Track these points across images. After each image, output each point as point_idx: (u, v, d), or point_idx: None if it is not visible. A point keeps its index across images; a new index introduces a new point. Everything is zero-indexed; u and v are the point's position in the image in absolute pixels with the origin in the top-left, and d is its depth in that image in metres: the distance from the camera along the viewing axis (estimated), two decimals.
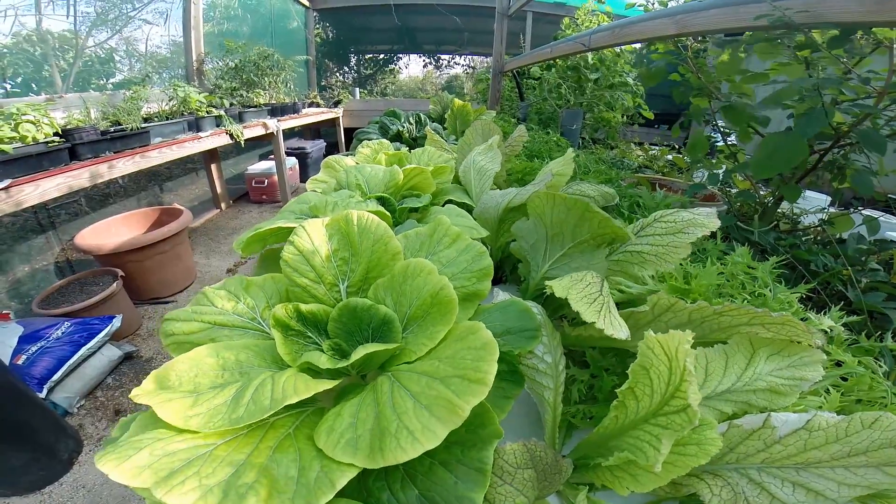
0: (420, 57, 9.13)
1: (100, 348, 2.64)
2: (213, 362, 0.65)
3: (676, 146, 3.87)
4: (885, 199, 1.67)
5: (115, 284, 2.88)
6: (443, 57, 9.12)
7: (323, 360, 0.62)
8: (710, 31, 1.34)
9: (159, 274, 3.35)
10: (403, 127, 2.40)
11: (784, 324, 0.70)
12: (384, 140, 2.05)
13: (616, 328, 0.65)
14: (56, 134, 2.53)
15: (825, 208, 1.91)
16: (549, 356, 0.77)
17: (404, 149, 1.99)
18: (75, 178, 2.50)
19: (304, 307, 0.73)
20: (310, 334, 0.75)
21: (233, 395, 0.58)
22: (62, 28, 3.80)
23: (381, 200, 1.16)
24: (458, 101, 2.65)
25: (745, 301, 0.93)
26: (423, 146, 2.28)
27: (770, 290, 0.96)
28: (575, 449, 0.78)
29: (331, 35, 8.03)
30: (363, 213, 0.82)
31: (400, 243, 0.84)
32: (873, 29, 1.06)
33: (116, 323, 2.73)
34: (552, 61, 3.11)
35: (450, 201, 1.34)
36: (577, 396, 0.88)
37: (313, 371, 0.68)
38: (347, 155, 2.40)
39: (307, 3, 7.18)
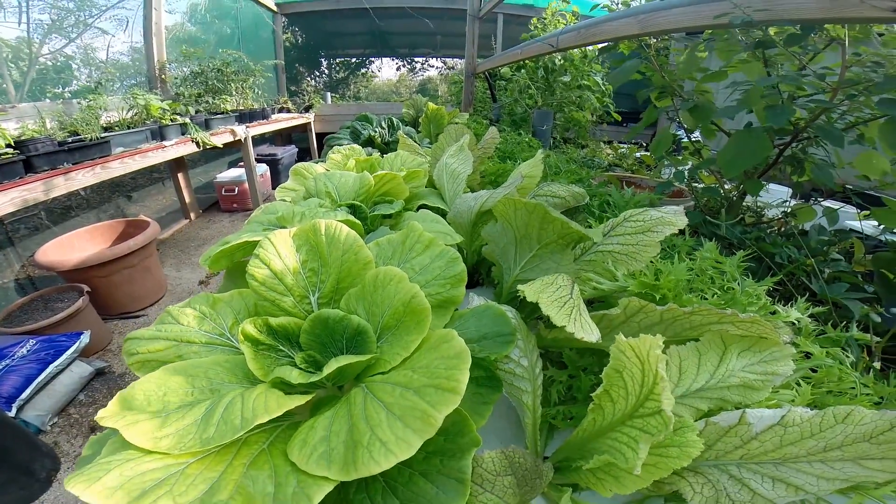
0: (393, 60, 9.09)
1: (69, 365, 2.53)
2: (181, 380, 0.62)
3: (644, 144, 3.95)
4: (843, 190, 1.74)
5: (80, 300, 2.75)
6: (417, 60, 9.11)
7: (294, 375, 0.60)
8: (672, 31, 1.37)
9: (128, 288, 3.22)
10: (375, 131, 2.37)
11: (753, 323, 0.72)
12: (355, 145, 2.02)
13: (586, 331, 0.65)
14: (9, 146, 2.40)
15: (787, 201, 1.98)
16: (526, 359, 0.77)
17: (376, 154, 1.97)
18: (31, 191, 2.37)
19: (273, 321, 0.70)
20: (282, 347, 0.72)
21: (202, 414, 0.55)
22: (14, 36, 3.62)
23: (352, 208, 1.14)
24: (431, 105, 2.63)
25: (715, 295, 0.95)
26: (395, 150, 2.26)
27: (738, 284, 0.99)
28: (557, 451, 0.77)
29: (300, 39, 7.91)
30: (331, 222, 0.80)
31: (372, 252, 0.82)
32: (826, 26, 1.10)
33: (84, 339, 2.62)
34: (523, 62, 3.14)
35: (423, 206, 1.32)
36: (557, 397, 0.88)
37: (286, 385, 0.65)
38: (318, 162, 2.36)
39: (275, 9, 7.05)
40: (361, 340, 0.72)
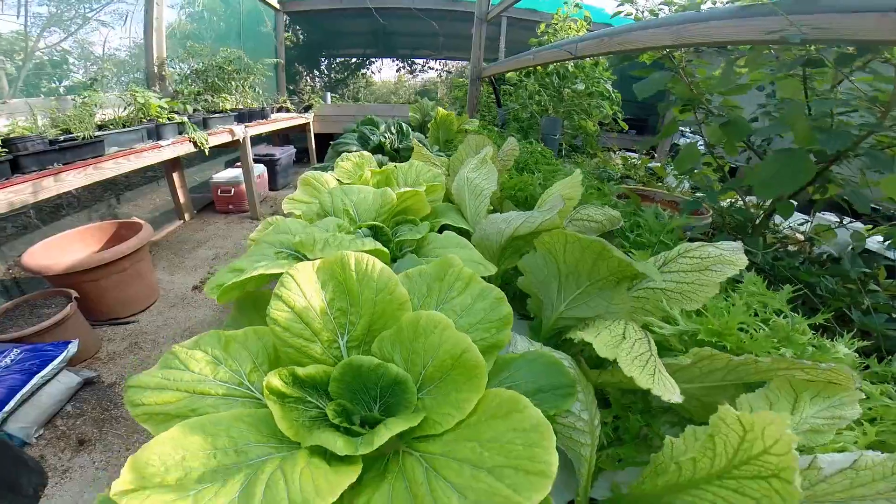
0: (394, 61, 8.98)
1: (55, 375, 2.40)
2: (200, 440, 0.53)
3: (650, 153, 3.90)
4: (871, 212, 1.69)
5: (69, 307, 2.62)
6: (417, 61, 9.01)
7: (340, 446, 0.51)
8: (711, 44, 1.30)
9: (118, 293, 3.08)
10: (385, 138, 2.28)
11: (833, 372, 0.67)
12: (365, 152, 1.93)
13: (670, 391, 0.58)
14: None
15: (809, 220, 1.92)
16: (587, 412, 0.69)
17: (387, 161, 1.88)
18: (17, 193, 2.25)
19: (301, 371, 0.61)
20: (309, 398, 0.63)
21: (237, 493, 0.46)
22: (11, 29, 3.48)
23: (374, 230, 1.05)
24: (441, 111, 2.54)
25: (761, 330, 0.89)
26: (406, 158, 2.17)
27: (785, 319, 0.93)
28: (613, 500, 0.71)
29: (301, 38, 7.78)
30: (361, 256, 0.71)
31: (402, 286, 0.74)
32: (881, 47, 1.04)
33: (72, 349, 2.49)
34: (532, 68, 3.08)
35: (445, 227, 1.24)
36: (604, 440, 0.81)
37: (326, 452, 0.57)
38: (326, 169, 2.26)
39: (277, 6, 6.91)
40: (399, 392, 0.63)
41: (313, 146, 7.44)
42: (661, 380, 0.61)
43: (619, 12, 1.86)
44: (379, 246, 0.86)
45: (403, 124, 2.35)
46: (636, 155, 2.92)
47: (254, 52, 5.21)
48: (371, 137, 2.33)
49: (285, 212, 1.40)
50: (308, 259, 0.81)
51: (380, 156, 2.06)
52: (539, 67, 2.96)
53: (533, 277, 0.93)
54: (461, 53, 8.57)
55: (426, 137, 2.46)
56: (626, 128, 3.31)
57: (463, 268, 0.77)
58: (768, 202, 1.68)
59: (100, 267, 2.82)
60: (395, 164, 1.90)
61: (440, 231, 1.16)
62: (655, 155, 4.45)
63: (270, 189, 6.16)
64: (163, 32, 4.39)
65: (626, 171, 2.64)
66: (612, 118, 3.26)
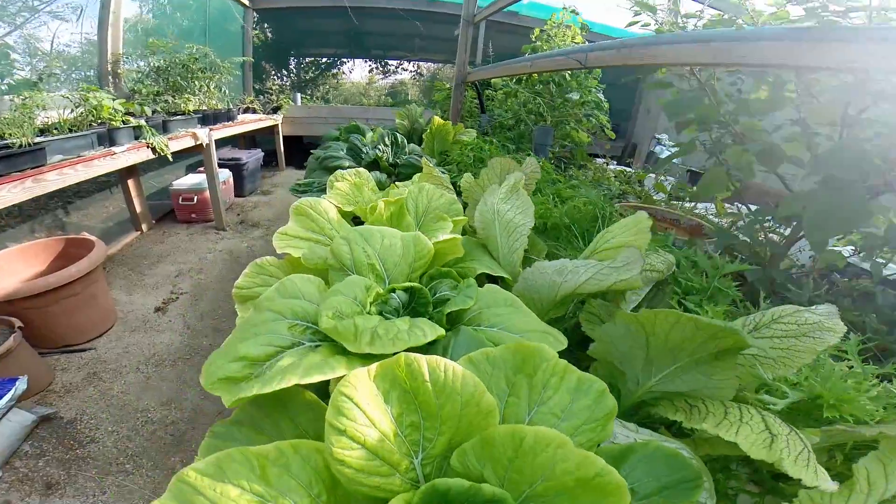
0: (366, 62, 8.67)
1: (5, 415, 2.07)
2: None
3: (628, 162, 3.89)
4: None
5: (12, 338, 2.26)
6: (391, 63, 8.74)
7: None
8: (761, 66, 1.21)
9: (70, 319, 2.71)
10: (380, 151, 2.09)
11: None
12: (361, 169, 1.73)
13: (826, 480, 0.51)
14: None
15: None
16: (712, 500, 0.59)
17: (387, 181, 1.71)
18: None
19: None
20: None
21: None
22: None
23: (411, 294, 0.87)
24: (437, 119, 2.38)
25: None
26: (406, 174, 1.99)
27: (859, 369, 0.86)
28: None
29: (270, 37, 7.36)
30: (436, 361, 0.54)
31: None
32: None
33: (21, 385, 2.15)
34: (523, 75, 2.97)
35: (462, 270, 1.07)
36: None
37: None
38: (311, 186, 2.04)
39: (247, 3, 6.49)
40: None
41: (282, 149, 7.07)
42: (820, 473, 0.54)
43: (636, 22, 1.75)
44: (440, 330, 0.69)
45: (398, 135, 2.16)
46: (630, 169, 2.87)
47: (221, 50, 4.83)
48: (362, 149, 2.13)
49: (277, 249, 1.20)
50: (347, 348, 0.64)
51: (377, 173, 1.88)
52: (535, 75, 2.86)
53: (612, 347, 0.80)
54: (438, 56, 8.40)
55: (420, 148, 2.29)
56: (614, 136, 3.27)
57: (557, 359, 0.62)
58: (788, 229, 1.63)
59: (47, 292, 2.47)
60: (396, 183, 1.73)
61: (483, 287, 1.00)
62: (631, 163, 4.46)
63: (237, 195, 5.78)
64: (120, 27, 3.98)
65: (624, 187, 2.57)
66: (599, 127, 3.20)
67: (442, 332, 0.70)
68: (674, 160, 1.92)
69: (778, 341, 0.77)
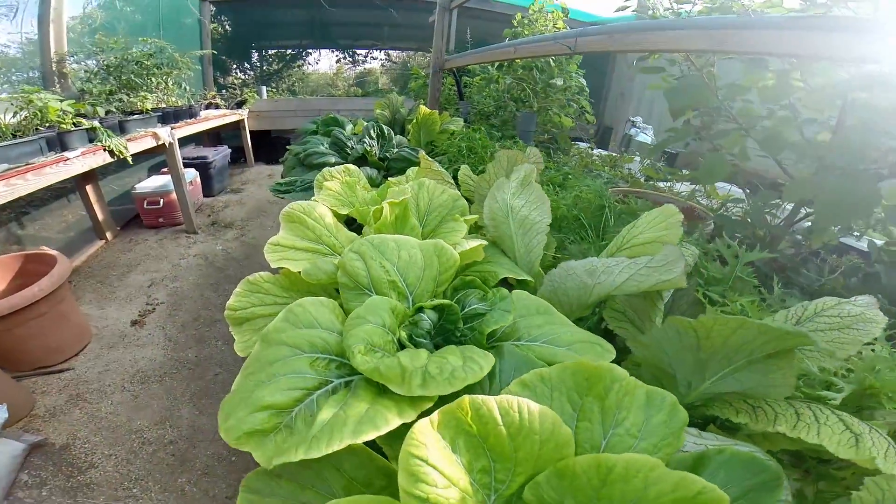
0: (333, 52, 8.28)
1: None
2: None
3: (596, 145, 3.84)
4: None
5: None
6: (359, 52, 8.37)
7: None
8: (764, 54, 1.15)
9: (41, 340, 2.49)
10: (366, 144, 1.93)
11: None
12: (350, 166, 1.61)
13: None
14: None
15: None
16: (790, 495, 0.54)
17: (378, 177, 1.58)
18: None
19: None
20: None
21: None
22: None
23: (440, 312, 0.77)
24: (424, 109, 2.24)
25: None
26: (397, 169, 1.86)
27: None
28: None
29: (229, 30, 6.92)
30: (508, 402, 0.46)
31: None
32: None
33: (2, 414, 1.98)
34: (505, 61, 2.86)
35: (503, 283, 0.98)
36: None
37: None
38: (293, 186, 1.89)
39: None
40: None
41: (250, 145, 6.73)
42: None
43: (625, 7, 1.67)
44: (491, 358, 0.60)
45: (384, 127, 2.02)
46: (607, 152, 2.83)
47: (178, 44, 4.48)
48: (347, 143, 1.98)
49: (271, 263, 1.07)
50: (389, 387, 0.54)
51: (367, 169, 1.74)
52: (518, 60, 2.75)
53: (660, 351, 0.73)
54: (409, 43, 8.11)
55: (406, 139, 2.15)
56: (594, 121, 3.22)
57: (627, 377, 0.54)
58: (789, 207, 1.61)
59: (10, 315, 2.23)
60: (390, 179, 1.61)
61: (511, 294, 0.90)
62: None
63: (205, 195, 5.46)
64: (63, 24, 3.61)
65: (611, 171, 2.52)
66: (580, 112, 3.14)
67: (492, 359, 0.61)
68: (646, 142, 1.87)
69: (823, 334, 0.75)
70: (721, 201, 1.99)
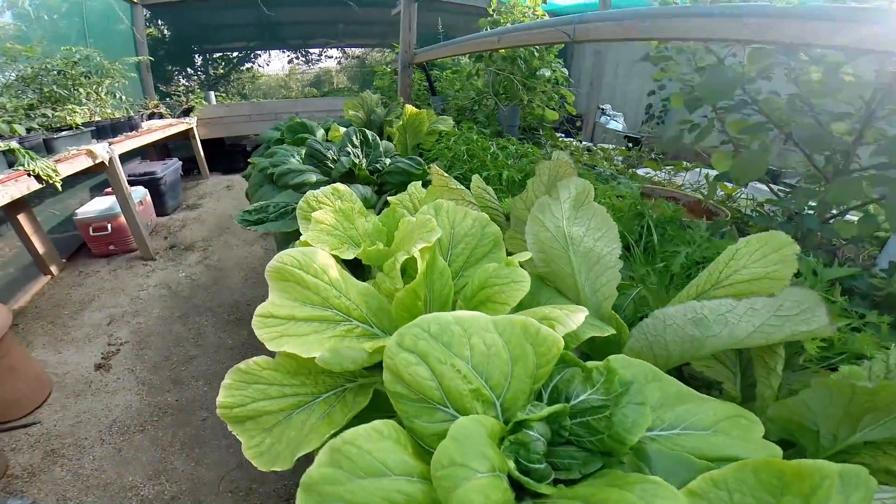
0: (284, 52, 7.61)
1: None
2: None
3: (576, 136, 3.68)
4: None
5: None
6: (312, 51, 7.73)
7: None
8: (806, 45, 0.98)
9: None
10: (352, 155, 1.60)
11: None
12: (339, 186, 1.29)
13: None
14: None
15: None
16: None
17: (400, 209, 1.28)
18: None
19: None
20: None
21: None
22: None
23: (549, 421, 0.51)
24: (410, 108, 1.93)
25: None
26: (394, 184, 1.56)
27: None
28: None
29: (167, 34, 6.18)
30: None
31: None
32: None
33: None
34: (484, 52, 2.58)
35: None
36: None
37: None
38: (267, 213, 1.55)
39: None
40: None
41: (202, 155, 6.11)
42: None
43: None
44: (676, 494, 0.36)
45: (369, 133, 1.69)
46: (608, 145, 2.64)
47: (109, 52, 3.88)
48: (327, 155, 1.64)
49: (267, 344, 0.75)
50: None
51: (359, 187, 1.42)
52: (501, 51, 2.47)
53: (802, 407, 0.55)
54: (365, 40, 7.57)
55: (391, 144, 1.84)
56: (575, 112, 3.02)
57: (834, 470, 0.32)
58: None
59: None
60: (389, 199, 1.31)
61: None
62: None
63: (159, 214, 4.87)
64: None
65: (608, 165, 2.32)
66: (561, 103, 2.92)
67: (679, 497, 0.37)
68: (617, 130, 1.68)
69: None
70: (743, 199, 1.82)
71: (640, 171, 2.17)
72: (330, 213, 1.12)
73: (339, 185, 1.30)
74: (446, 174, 1.09)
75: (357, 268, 1.19)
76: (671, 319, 0.69)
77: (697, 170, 2.10)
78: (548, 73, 2.47)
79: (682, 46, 1.65)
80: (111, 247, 3.96)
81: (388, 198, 1.30)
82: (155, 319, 3.02)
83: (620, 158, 2.44)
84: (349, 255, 0.95)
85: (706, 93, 1.27)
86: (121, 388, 2.43)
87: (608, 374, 0.56)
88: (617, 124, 4.01)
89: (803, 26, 1.01)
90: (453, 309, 0.92)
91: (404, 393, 0.53)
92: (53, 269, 3.66)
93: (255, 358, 0.76)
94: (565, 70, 2.67)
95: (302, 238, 0.99)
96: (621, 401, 0.52)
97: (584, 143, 2.94)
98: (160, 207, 4.89)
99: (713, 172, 2.31)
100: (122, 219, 3.90)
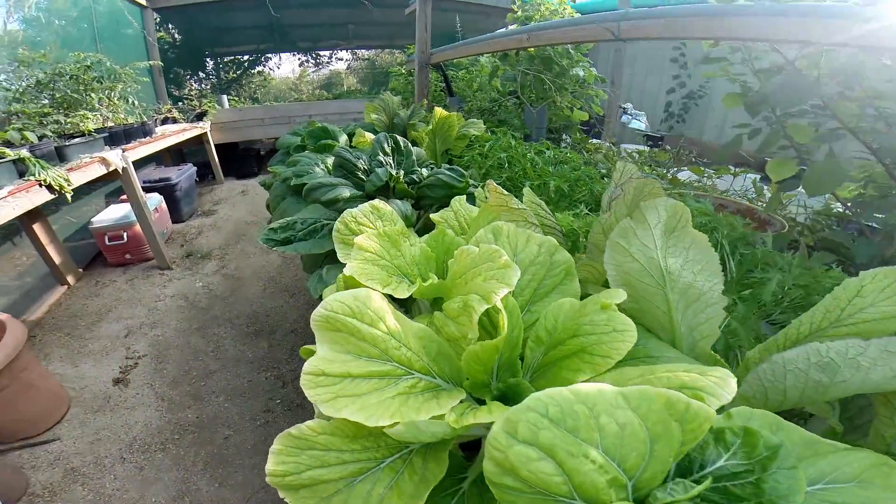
0: (294, 55, 7.46)
1: None
2: None
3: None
4: None
5: None
6: (322, 53, 7.57)
7: None
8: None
9: (10, 415, 2.07)
10: (387, 167, 1.45)
11: None
12: (380, 205, 1.15)
13: None
14: None
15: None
16: None
17: (447, 231, 1.15)
18: None
19: None
20: None
21: None
22: None
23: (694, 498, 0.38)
24: (440, 111, 1.79)
25: None
26: (434, 199, 1.41)
27: None
28: None
29: (178, 38, 6.06)
30: None
31: None
32: None
33: None
34: (509, 50, 2.42)
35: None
36: None
37: None
38: (288, 236, 1.42)
39: (144, 2, 5.20)
40: None
41: (216, 160, 6.01)
42: None
43: None
44: None
45: (400, 139, 1.55)
46: (631, 146, 2.48)
47: (120, 57, 3.78)
48: (358, 164, 1.50)
49: (321, 406, 0.62)
50: None
51: (398, 203, 1.28)
52: (531, 50, 2.32)
53: None
54: (376, 41, 7.40)
55: (422, 151, 1.70)
56: (602, 112, 2.86)
57: None
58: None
59: None
60: (434, 216, 1.17)
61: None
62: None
63: (174, 221, 4.77)
64: None
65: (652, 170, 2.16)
66: (588, 104, 2.76)
67: None
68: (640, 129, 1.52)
69: None
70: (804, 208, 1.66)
71: (681, 176, 2.01)
72: (374, 238, 0.98)
73: (378, 204, 1.16)
74: (505, 192, 0.95)
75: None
76: (792, 364, 0.60)
77: (743, 175, 1.94)
78: (581, 73, 2.31)
79: (737, 46, 1.50)
80: (127, 256, 3.86)
81: (432, 216, 1.16)
82: (173, 331, 2.91)
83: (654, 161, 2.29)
84: (403, 293, 0.81)
85: (781, 97, 1.12)
86: (140, 404, 2.34)
87: (746, 435, 0.46)
88: (640, 123, 3.85)
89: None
90: (523, 352, 0.80)
91: (516, 486, 0.40)
92: (70, 278, 3.57)
93: (308, 423, 0.64)
94: (594, 69, 2.51)
95: (346, 271, 0.86)
96: (770, 466, 0.43)
97: (607, 143, 2.77)
98: (176, 214, 4.79)
99: (751, 176, 2.16)
100: (138, 227, 3.80)
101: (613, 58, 3.96)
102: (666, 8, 1.32)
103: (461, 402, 0.66)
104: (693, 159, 2.12)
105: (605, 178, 1.66)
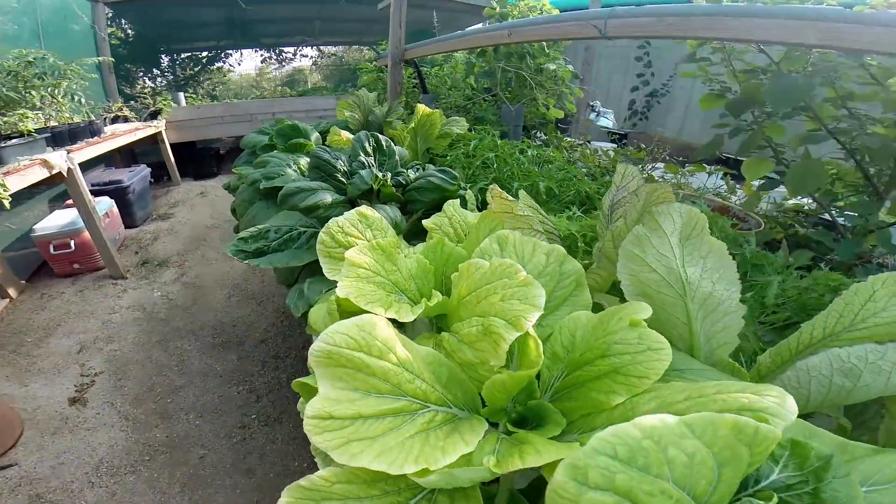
0: (257, 51, 7.05)
1: None
2: None
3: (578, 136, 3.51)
4: None
5: None
6: (286, 50, 7.19)
7: None
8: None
9: None
10: (370, 168, 1.35)
11: None
12: (367, 211, 1.06)
13: None
14: None
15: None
16: None
17: (439, 235, 1.07)
18: None
19: None
20: None
21: None
22: None
23: None
24: (422, 108, 1.70)
25: None
26: (423, 203, 1.32)
27: None
28: None
29: (131, 33, 5.58)
30: None
31: None
32: None
33: None
34: (485, 48, 2.36)
35: None
36: None
37: None
38: (289, 251, 1.29)
39: None
40: None
41: (172, 160, 5.61)
42: None
43: None
44: None
45: (381, 138, 1.45)
46: (607, 145, 2.48)
47: (67, 53, 3.41)
48: (337, 166, 1.39)
49: (333, 454, 0.54)
50: None
51: (386, 209, 1.19)
52: (514, 46, 2.25)
53: None
54: (344, 38, 7.11)
55: (405, 151, 1.60)
56: (575, 109, 2.85)
57: None
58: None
59: None
60: (426, 223, 1.09)
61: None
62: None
63: (127, 226, 4.40)
64: None
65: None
66: (560, 100, 2.74)
67: None
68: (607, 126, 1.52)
69: None
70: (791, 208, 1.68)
71: (654, 174, 2.03)
72: (367, 252, 0.89)
73: (365, 210, 1.06)
74: (510, 198, 0.88)
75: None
76: (815, 370, 0.60)
77: (714, 174, 1.97)
78: (553, 67, 2.27)
79: (720, 47, 1.50)
80: (76, 265, 3.52)
81: (425, 223, 1.08)
82: (131, 345, 2.68)
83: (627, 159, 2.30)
84: (408, 316, 0.73)
85: (774, 99, 1.11)
86: (101, 424, 2.14)
87: (793, 446, 0.47)
88: (607, 121, 3.90)
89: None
90: (539, 370, 0.73)
91: None
92: (11, 291, 3.21)
93: (319, 472, 0.56)
94: (570, 66, 2.48)
95: (339, 292, 0.76)
96: (824, 476, 0.44)
97: (580, 141, 2.77)
98: (129, 219, 4.42)
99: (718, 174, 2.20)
100: (87, 234, 3.47)
101: (584, 55, 3.99)
102: (656, 7, 1.29)
103: (486, 433, 0.59)
104: (666, 157, 2.14)
105: (590, 178, 1.63)
